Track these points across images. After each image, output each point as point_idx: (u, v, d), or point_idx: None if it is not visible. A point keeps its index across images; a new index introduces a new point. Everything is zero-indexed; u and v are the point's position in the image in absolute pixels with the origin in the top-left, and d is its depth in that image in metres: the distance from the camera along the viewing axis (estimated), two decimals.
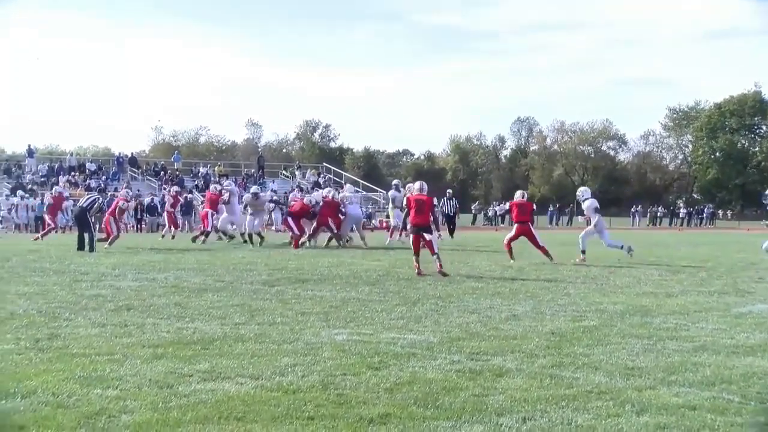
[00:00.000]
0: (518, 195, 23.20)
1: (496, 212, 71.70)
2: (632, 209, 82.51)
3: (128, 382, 7.39)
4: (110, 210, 27.77)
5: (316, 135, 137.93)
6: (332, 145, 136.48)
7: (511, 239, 22.24)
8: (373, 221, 55.73)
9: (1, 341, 9.38)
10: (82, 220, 25.83)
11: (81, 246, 25.05)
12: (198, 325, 10.59)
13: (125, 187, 41.56)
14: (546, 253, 21.72)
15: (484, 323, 11.14)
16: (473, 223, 69.43)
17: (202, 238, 29.98)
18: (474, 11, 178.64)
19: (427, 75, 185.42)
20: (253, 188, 32.65)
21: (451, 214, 39.52)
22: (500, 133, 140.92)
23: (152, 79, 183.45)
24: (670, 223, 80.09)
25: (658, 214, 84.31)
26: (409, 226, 20.01)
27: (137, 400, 6.74)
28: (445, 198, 40.19)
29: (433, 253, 18.25)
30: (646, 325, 11.06)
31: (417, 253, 18.41)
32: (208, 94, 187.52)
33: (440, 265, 17.96)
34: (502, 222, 69.02)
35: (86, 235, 25.32)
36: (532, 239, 22.28)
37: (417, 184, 19.83)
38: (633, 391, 7.32)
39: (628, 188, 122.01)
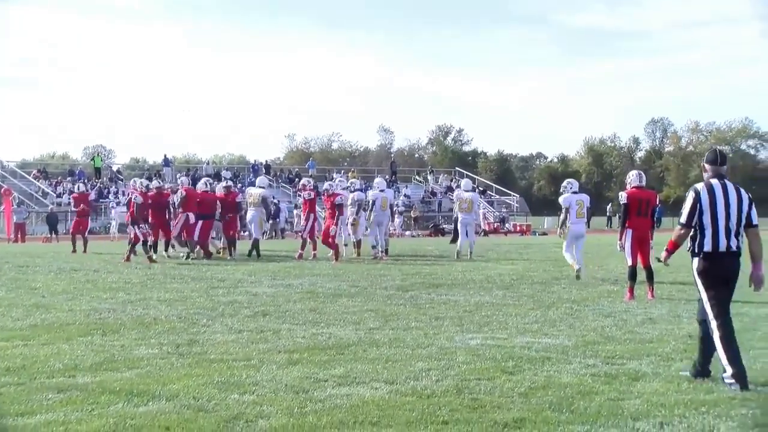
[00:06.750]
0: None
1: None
2: None
3: (265, 387, 7.52)
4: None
5: (449, 139, 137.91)
6: (465, 149, 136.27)
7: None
8: (507, 225, 56.59)
9: (147, 345, 9.69)
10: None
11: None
12: (333, 331, 10.71)
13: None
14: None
15: (619, 327, 11.02)
16: (608, 225, 68.39)
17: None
18: (619, 10, 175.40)
19: (560, 77, 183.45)
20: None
21: None
22: (634, 135, 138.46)
23: (284, 85, 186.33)
24: None
25: None
26: None
27: (273, 405, 6.85)
28: None
29: None
30: None
31: None
32: (341, 100, 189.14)
33: None
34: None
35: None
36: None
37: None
38: None
39: None
